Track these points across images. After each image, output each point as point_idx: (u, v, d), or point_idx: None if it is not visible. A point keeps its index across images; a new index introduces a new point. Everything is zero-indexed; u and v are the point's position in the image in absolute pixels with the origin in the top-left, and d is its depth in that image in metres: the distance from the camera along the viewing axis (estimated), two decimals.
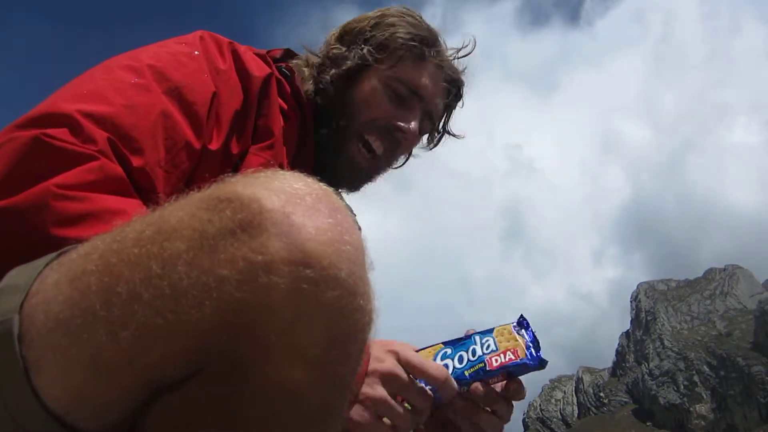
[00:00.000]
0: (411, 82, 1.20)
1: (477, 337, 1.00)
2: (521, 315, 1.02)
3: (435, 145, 1.37)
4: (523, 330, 0.99)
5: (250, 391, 0.50)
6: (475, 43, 1.31)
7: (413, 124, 1.20)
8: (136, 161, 0.81)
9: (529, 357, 0.95)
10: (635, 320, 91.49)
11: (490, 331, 1.00)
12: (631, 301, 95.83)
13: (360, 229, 0.56)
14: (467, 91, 1.33)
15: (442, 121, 1.34)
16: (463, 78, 1.31)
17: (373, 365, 0.89)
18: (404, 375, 0.89)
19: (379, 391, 0.87)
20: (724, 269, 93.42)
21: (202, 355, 0.50)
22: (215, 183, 0.54)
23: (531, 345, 0.97)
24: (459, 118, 1.35)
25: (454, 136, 1.38)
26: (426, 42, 1.23)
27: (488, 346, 0.98)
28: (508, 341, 0.98)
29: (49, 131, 0.75)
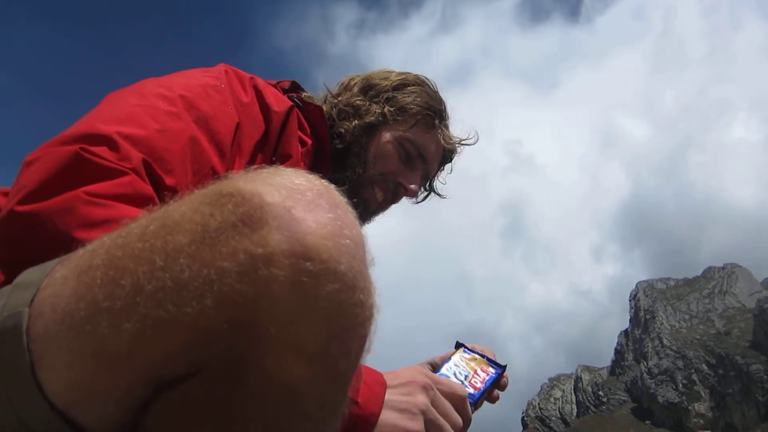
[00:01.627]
0: (420, 145, 1.36)
1: (444, 370, 1.06)
2: (456, 341, 1.13)
3: (422, 201, 1.52)
4: (469, 352, 1.10)
5: (251, 386, 0.51)
6: (478, 136, 1.50)
7: (414, 186, 1.37)
8: (168, 180, 0.87)
9: (495, 369, 1.08)
10: (634, 319, 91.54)
11: (448, 360, 1.08)
12: (630, 300, 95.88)
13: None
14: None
15: (430, 179, 1.50)
16: (457, 150, 1.48)
17: (443, 386, 0.97)
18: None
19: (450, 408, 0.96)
20: (723, 268, 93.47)
21: (203, 351, 0.50)
22: (218, 180, 0.55)
23: (488, 359, 1.09)
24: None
25: (439, 195, 1.54)
26: (438, 114, 1.40)
27: (460, 372, 1.05)
28: (469, 363, 1.07)
29: (90, 148, 0.80)
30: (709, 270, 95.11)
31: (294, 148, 1.17)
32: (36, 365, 0.51)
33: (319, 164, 1.27)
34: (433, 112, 1.39)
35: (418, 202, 1.51)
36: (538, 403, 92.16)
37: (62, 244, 0.64)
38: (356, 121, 1.34)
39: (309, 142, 1.23)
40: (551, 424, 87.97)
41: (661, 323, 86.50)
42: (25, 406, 0.51)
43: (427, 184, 1.49)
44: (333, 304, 0.50)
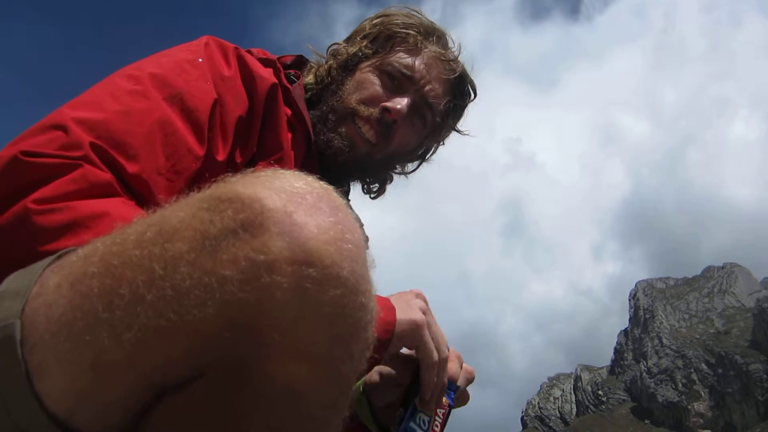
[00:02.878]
0: (403, 64, 1.22)
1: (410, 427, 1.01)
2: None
3: (438, 137, 1.37)
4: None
5: (254, 390, 0.50)
6: (459, 48, 1.32)
7: (400, 105, 1.20)
8: (131, 167, 0.80)
9: (450, 401, 1.05)
10: (634, 318, 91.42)
11: (413, 414, 1.02)
12: (629, 299, 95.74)
13: (362, 226, 0.60)
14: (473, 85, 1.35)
15: (451, 118, 1.34)
16: (468, 72, 1.31)
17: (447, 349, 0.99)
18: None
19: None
20: (723, 267, 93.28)
21: (205, 357, 0.50)
22: (216, 183, 0.54)
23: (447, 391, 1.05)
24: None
25: (459, 132, 1.39)
26: (421, 32, 1.25)
27: (424, 421, 1.02)
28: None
29: (33, 145, 0.75)
30: (709, 269, 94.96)
31: (284, 135, 1.09)
32: (33, 376, 0.50)
33: (307, 143, 1.18)
34: (414, 30, 1.25)
35: (440, 142, 1.38)
36: (538, 403, 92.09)
37: (29, 259, 0.62)
38: (331, 62, 1.26)
39: (297, 125, 1.15)
40: (551, 424, 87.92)
41: (661, 323, 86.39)
42: (24, 416, 0.51)
43: (438, 117, 1.29)
44: (336, 309, 0.50)
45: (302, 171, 0.57)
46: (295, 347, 0.49)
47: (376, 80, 1.22)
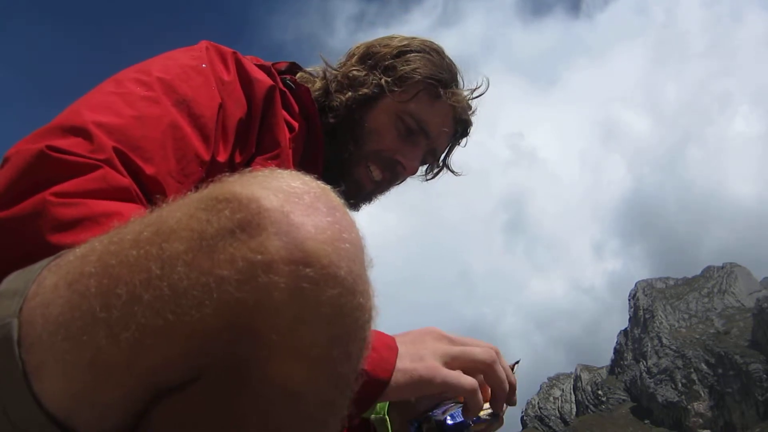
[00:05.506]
0: (422, 119, 1.25)
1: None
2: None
3: (433, 178, 1.44)
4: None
5: (251, 391, 0.51)
6: (488, 83, 1.36)
7: (414, 162, 1.28)
8: (148, 169, 0.83)
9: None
10: (633, 318, 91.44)
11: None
12: (629, 299, 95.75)
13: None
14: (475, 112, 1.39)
15: (444, 155, 1.40)
16: (472, 119, 1.36)
17: (483, 356, 0.90)
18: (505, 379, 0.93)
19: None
20: (722, 267, 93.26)
21: (203, 357, 0.50)
22: (213, 183, 0.55)
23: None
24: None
25: (453, 172, 1.44)
26: (443, 82, 1.28)
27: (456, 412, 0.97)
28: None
29: (57, 144, 0.77)
30: (708, 269, 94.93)
31: (281, 134, 1.11)
32: (31, 376, 0.51)
33: (310, 149, 1.20)
34: (438, 81, 1.27)
35: (428, 179, 1.44)
36: (537, 403, 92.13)
37: (38, 249, 0.63)
38: (350, 93, 1.25)
39: (296, 126, 1.16)
40: (550, 424, 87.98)
41: (661, 323, 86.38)
42: (22, 416, 0.51)
43: (439, 161, 1.39)
44: (334, 309, 0.51)
45: (301, 170, 0.57)
46: (294, 347, 0.50)
47: (392, 128, 1.25)
